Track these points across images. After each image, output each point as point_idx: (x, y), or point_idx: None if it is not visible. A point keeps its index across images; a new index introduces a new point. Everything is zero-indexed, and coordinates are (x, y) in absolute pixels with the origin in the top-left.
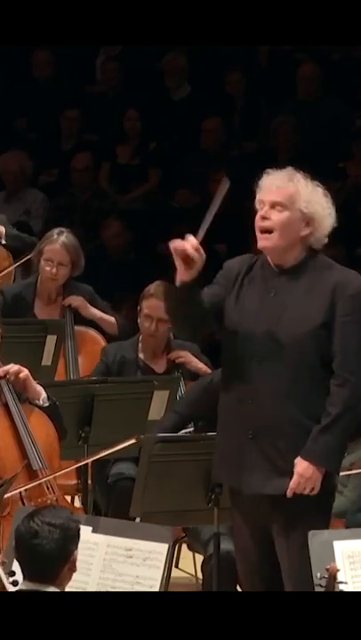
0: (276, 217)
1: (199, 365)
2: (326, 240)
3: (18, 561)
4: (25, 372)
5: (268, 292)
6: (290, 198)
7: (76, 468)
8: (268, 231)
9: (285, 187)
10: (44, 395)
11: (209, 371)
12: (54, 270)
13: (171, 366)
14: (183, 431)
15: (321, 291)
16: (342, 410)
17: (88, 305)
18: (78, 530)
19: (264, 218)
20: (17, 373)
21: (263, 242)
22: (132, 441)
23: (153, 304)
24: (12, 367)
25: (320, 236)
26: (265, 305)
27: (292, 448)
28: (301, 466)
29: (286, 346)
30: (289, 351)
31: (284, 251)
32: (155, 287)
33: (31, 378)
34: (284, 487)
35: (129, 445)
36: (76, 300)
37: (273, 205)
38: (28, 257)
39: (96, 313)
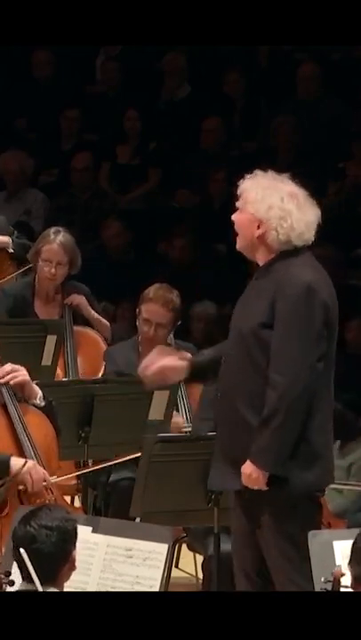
0: (235, 218)
1: None
2: (298, 238)
3: (17, 563)
4: (20, 378)
5: (244, 294)
6: (243, 200)
7: (76, 467)
8: (238, 233)
9: (242, 189)
10: (40, 394)
11: None
12: (53, 270)
13: None
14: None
15: (267, 291)
16: (269, 412)
17: (88, 305)
18: (75, 529)
19: (233, 221)
20: (12, 377)
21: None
22: (138, 454)
23: (152, 308)
24: (7, 368)
25: (275, 237)
26: (237, 306)
27: (240, 446)
28: (246, 464)
29: (236, 345)
30: (238, 351)
31: (250, 252)
32: (154, 291)
33: (28, 379)
34: (237, 484)
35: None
36: (79, 299)
37: (237, 207)
38: (29, 266)
39: (94, 314)
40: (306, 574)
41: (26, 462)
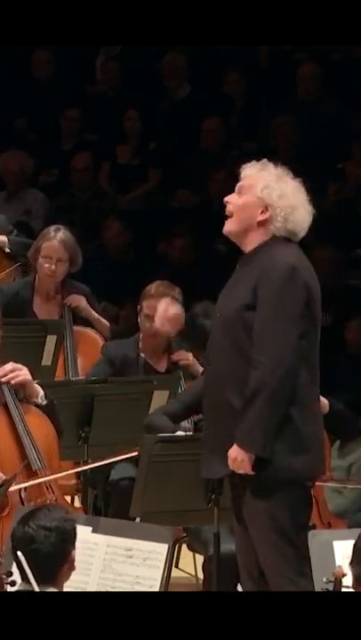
0: (235, 200)
1: (201, 369)
2: (300, 232)
3: (15, 564)
4: (21, 377)
5: (228, 283)
6: (250, 183)
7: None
8: (229, 216)
9: (250, 173)
10: (41, 393)
11: None
12: (53, 267)
13: (172, 365)
14: (182, 432)
15: (251, 276)
16: (252, 392)
17: (87, 306)
18: (74, 529)
19: (227, 202)
20: (14, 376)
21: (225, 227)
22: (135, 454)
23: (154, 304)
24: (9, 367)
25: (281, 226)
26: (220, 295)
27: (227, 431)
28: (232, 447)
29: (221, 330)
30: (222, 336)
31: (242, 236)
32: (155, 287)
33: (30, 378)
34: (224, 470)
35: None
36: (78, 300)
37: (238, 190)
38: (20, 263)
39: (93, 315)
40: (299, 570)
41: None
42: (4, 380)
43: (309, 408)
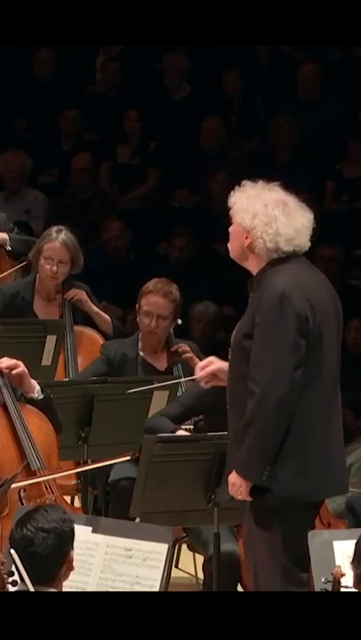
0: (229, 230)
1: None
2: (286, 245)
3: (14, 564)
4: (20, 369)
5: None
6: (232, 211)
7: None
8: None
9: (233, 201)
10: (37, 387)
11: None
12: (54, 268)
13: (172, 363)
14: (183, 432)
15: (252, 302)
16: (245, 422)
17: (88, 300)
18: (72, 530)
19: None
20: (11, 368)
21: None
22: (127, 457)
23: (152, 300)
24: (6, 362)
25: (263, 245)
26: None
27: (231, 456)
28: (232, 473)
29: (230, 358)
30: (230, 363)
31: (243, 262)
32: (153, 284)
33: (26, 372)
34: (227, 494)
35: (124, 457)
36: (79, 293)
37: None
38: (25, 263)
39: (94, 308)
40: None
41: None
42: (4, 366)
43: (317, 433)
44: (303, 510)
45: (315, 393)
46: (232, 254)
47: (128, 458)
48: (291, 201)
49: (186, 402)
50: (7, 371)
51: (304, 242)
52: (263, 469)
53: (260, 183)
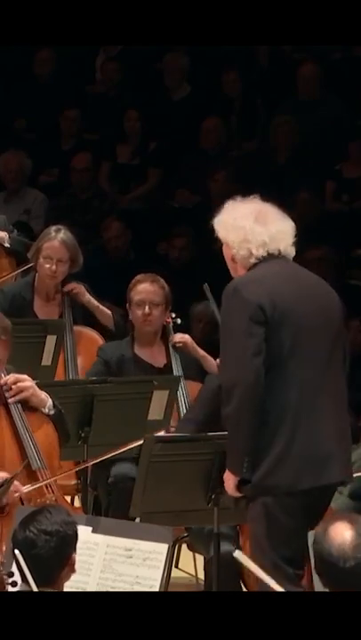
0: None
1: (199, 351)
2: (257, 249)
3: (15, 565)
4: (25, 393)
5: None
6: (217, 229)
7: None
8: None
9: (216, 220)
10: (49, 403)
11: (208, 356)
12: (54, 267)
13: (170, 361)
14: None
15: None
16: (224, 415)
17: (87, 293)
18: (75, 532)
19: None
20: (19, 391)
21: None
22: (140, 442)
23: (141, 288)
24: (11, 379)
25: (238, 254)
26: None
27: None
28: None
29: None
30: None
31: (234, 273)
32: (140, 276)
33: (35, 388)
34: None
35: (131, 447)
36: (78, 287)
37: None
38: (30, 265)
39: (94, 302)
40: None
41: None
42: (11, 401)
43: (300, 422)
44: (290, 501)
45: (295, 383)
46: (230, 269)
47: (141, 442)
48: (267, 210)
49: (197, 417)
50: (15, 389)
51: (283, 246)
52: (242, 460)
53: (239, 198)
